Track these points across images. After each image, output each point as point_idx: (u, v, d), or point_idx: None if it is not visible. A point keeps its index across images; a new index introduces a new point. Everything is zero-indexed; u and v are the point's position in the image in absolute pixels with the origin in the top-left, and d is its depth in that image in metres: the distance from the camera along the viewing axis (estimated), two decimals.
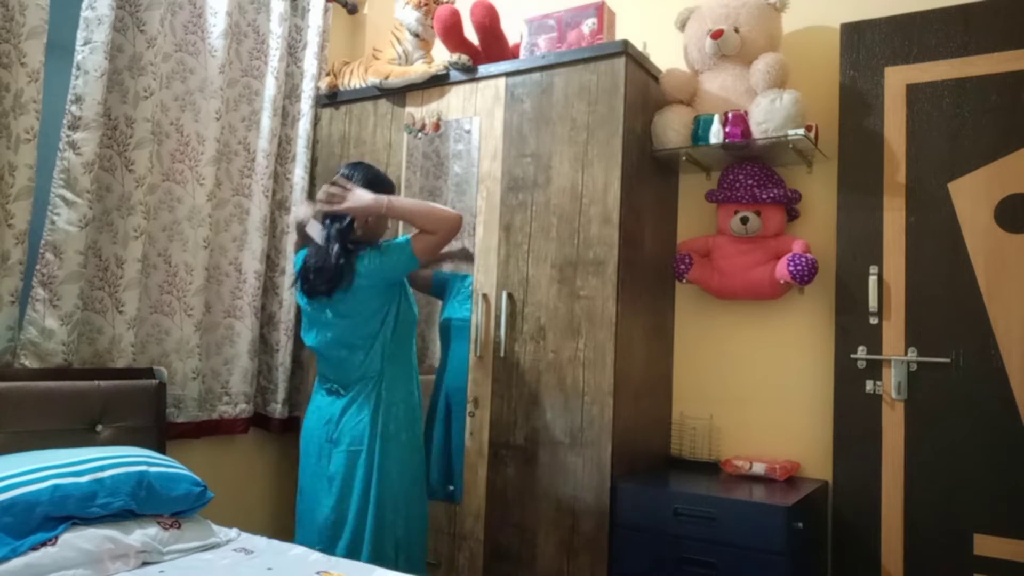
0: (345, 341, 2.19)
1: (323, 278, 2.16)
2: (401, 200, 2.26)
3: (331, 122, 3.02)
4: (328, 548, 2.10)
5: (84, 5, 2.28)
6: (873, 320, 2.34)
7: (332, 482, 2.17)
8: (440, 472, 2.61)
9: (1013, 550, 2.11)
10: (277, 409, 2.91)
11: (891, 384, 2.30)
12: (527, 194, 2.50)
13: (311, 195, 3.02)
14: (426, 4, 2.78)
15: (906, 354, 2.30)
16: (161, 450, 2.32)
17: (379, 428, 2.16)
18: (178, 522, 1.93)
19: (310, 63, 3.04)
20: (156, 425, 2.37)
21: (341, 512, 2.15)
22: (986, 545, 2.15)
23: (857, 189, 2.40)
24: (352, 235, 2.19)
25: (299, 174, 2.98)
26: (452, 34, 2.71)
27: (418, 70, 2.73)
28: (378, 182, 2.26)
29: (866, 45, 2.42)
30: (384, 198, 2.18)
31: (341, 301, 2.17)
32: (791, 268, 2.36)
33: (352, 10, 3.34)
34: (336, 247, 2.15)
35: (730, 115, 2.42)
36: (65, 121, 2.25)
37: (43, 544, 1.66)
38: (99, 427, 2.23)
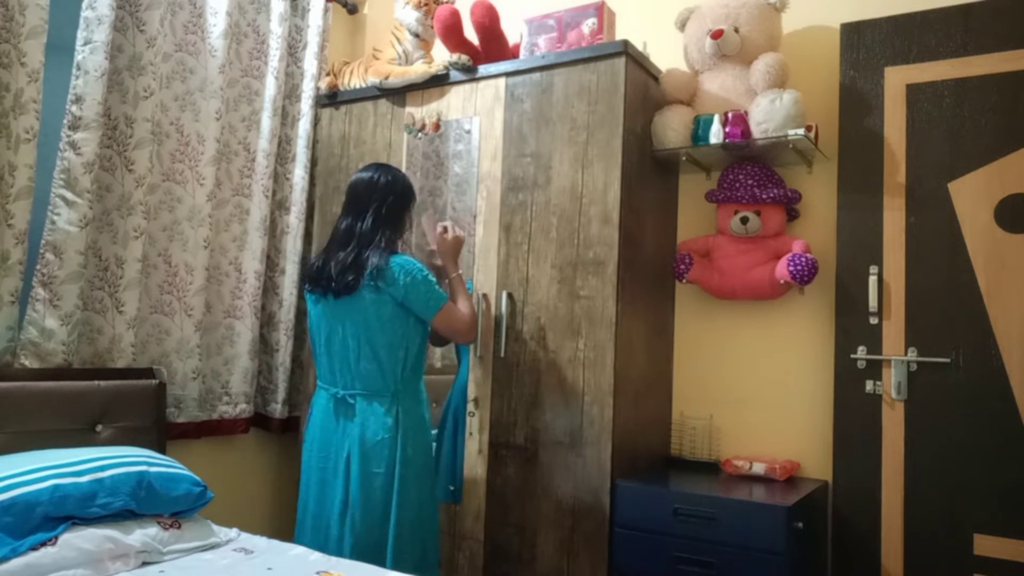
0: (363, 343, 2.18)
1: (353, 272, 2.16)
2: (462, 283, 2.37)
3: (331, 122, 3.02)
4: None
5: (84, 5, 2.28)
6: (873, 320, 2.34)
7: (350, 506, 2.15)
8: (444, 474, 2.61)
9: (1013, 550, 2.11)
10: (277, 409, 2.91)
11: (891, 384, 2.30)
12: (527, 194, 2.50)
13: (311, 196, 3.04)
14: (426, 4, 2.78)
15: (906, 354, 2.30)
16: (161, 450, 2.32)
17: (399, 453, 2.15)
18: (178, 522, 1.94)
19: (310, 63, 3.04)
20: (156, 425, 2.37)
21: (360, 537, 2.13)
22: (986, 545, 2.15)
23: (857, 189, 2.40)
24: (396, 240, 2.26)
25: (299, 174, 2.98)
26: (452, 34, 2.71)
27: (418, 70, 2.73)
28: (408, 191, 2.33)
29: (866, 45, 2.42)
30: (459, 270, 2.35)
31: (361, 299, 2.16)
32: (791, 268, 2.36)
33: (352, 10, 3.34)
34: (379, 243, 2.19)
35: (730, 115, 2.42)
36: (65, 121, 2.26)
37: (43, 544, 1.66)
38: (99, 427, 2.23)
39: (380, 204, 2.23)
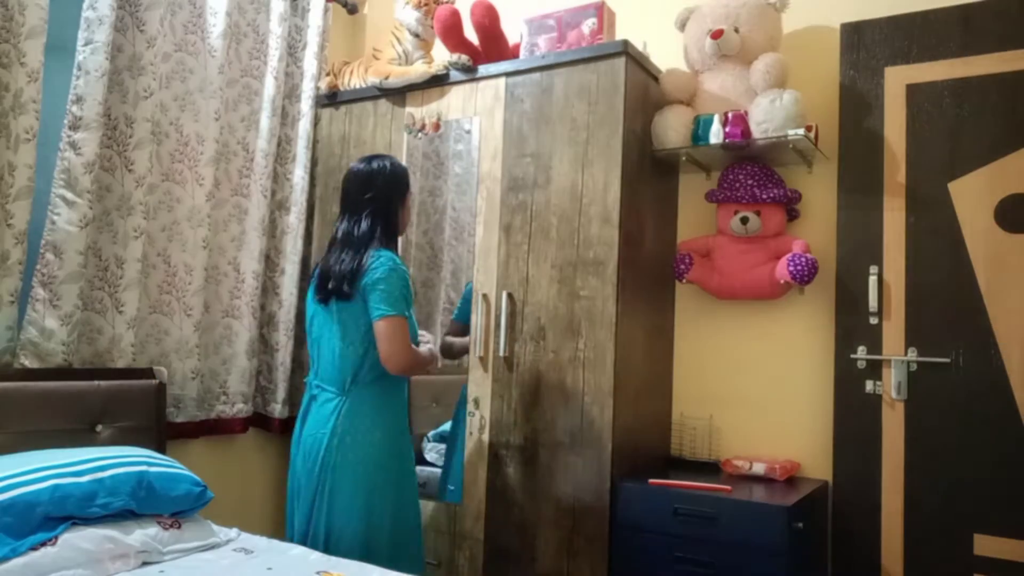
0: (336, 338, 2.13)
1: (349, 280, 2.09)
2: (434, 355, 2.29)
3: (331, 122, 3.02)
4: None
5: (85, 5, 2.28)
6: (873, 320, 2.34)
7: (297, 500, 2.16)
8: (443, 473, 2.61)
9: (1013, 550, 2.11)
10: (277, 409, 2.91)
11: (891, 384, 2.30)
12: (527, 194, 2.50)
13: (312, 197, 3.03)
14: (426, 4, 2.77)
15: (906, 354, 2.30)
16: (161, 450, 2.32)
17: (334, 453, 2.10)
18: (178, 522, 1.93)
19: (310, 63, 3.03)
20: (156, 425, 2.37)
21: (298, 532, 2.15)
22: (986, 545, 2.15)
23: (857, 189, 2.40)
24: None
25: (299, 174, 2.98)
26: (452, 34, 2.71)
27: (418, 70, 2.73)
28: (401, 180, 2.22)
29: (866, 45, 2.42)
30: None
31: (353, 301, 2.10)
32: (791, 268, 2.36)
33: (352, 10, 3.34)
34: (375, 244, 2.12)
35: (730, 115, 2.42)
36: (66, 121, 2.25)
37: (43, 544, 1.66)
38: (99, 427, 2.23)
39: (375, 201, 2.14)
